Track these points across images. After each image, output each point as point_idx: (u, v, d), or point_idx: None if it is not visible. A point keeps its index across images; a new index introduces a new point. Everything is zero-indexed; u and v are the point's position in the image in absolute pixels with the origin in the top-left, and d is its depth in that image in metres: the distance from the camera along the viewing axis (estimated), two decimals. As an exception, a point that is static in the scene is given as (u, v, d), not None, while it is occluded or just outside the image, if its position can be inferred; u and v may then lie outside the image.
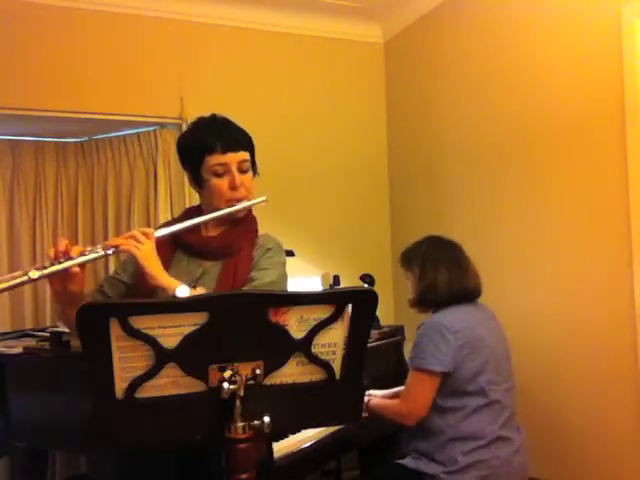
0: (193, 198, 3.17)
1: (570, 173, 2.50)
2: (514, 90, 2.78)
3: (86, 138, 3.38)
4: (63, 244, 1.32)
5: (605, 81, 2.34)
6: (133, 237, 1.39)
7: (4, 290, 1.24)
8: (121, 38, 3.14)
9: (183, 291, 1.36)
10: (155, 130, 3.27)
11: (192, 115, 3.14)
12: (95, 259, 1.35)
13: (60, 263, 1.29)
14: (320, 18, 3.52)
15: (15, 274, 1.26)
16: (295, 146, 3.46)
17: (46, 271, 1.27)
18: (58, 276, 1.33)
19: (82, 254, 1.33)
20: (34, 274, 1.24)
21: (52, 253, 1.32)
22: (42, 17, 2.98)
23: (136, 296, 1.48)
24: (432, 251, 2.11)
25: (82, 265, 1.33)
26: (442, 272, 2.04)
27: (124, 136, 3.34)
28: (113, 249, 1.36)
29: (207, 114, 1.61)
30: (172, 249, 1.56)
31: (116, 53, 3.12)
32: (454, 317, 2.00)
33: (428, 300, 2.07)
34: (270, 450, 1.71)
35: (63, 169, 3.38)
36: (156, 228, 1.50)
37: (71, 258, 1.30)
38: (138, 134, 3.31)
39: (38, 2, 2.96)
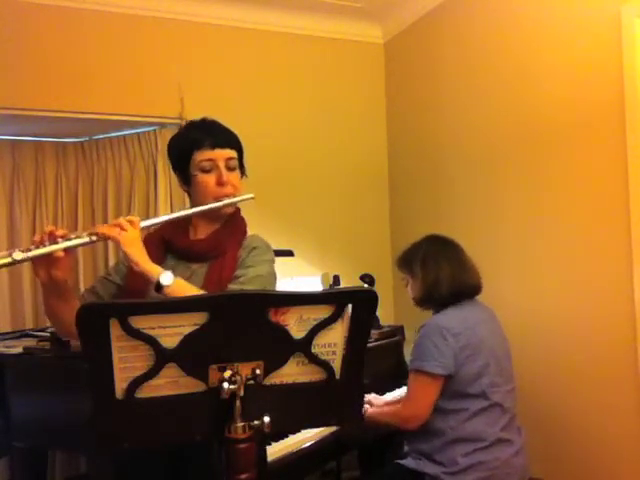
0: (193, 198, 3.18)
1: (570, 173, 2.50)
2: (514, 90, 2.78)
3: (86, 138, 3.38)
4: (49, 229, 1.34)
5: (605, 81, 2.34)
6: (118, 225, 1.39)
7: None
8: (121, 38, 3.13)
9: (167, 278, 1.36)
10: (155, 130, 3.27)
11: (192, 115, 3.14)
12: (79, 245, 1.36)
13: (44, 247, 1.30)
14: (320, 18, 3.52)
15: None
16: (295, 146, 3.46)
17: (30, 253, 1.28)
18: (43, 261, 1.33)
19: (67, 239, 1.33)
20: (18, 255, 1.25)
21: (37, 238, 1.33)
22: (42, 17, 2.98)
23: (127, 297, 1.48)
24: (432, 249, 2.11)
25: (67, 250, 1.33)
26: (444, 269, 2.04)
27: (124, 136, 3.34)
28: (97, 236, 1.37)
29: (206, 114, 1.62)
30: (164, 255, 1.57)
31: (116, 53, 3.12)
32: (455, 318, 1.99)
33: (432, 298, 2.05)
34: (264, 451, 1.71)
35: (63, 169, 3.39)
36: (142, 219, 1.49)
37: (56, 242, 1.31)
38: (138, 134, 3.31)
39: (38, 2, 2.96)
